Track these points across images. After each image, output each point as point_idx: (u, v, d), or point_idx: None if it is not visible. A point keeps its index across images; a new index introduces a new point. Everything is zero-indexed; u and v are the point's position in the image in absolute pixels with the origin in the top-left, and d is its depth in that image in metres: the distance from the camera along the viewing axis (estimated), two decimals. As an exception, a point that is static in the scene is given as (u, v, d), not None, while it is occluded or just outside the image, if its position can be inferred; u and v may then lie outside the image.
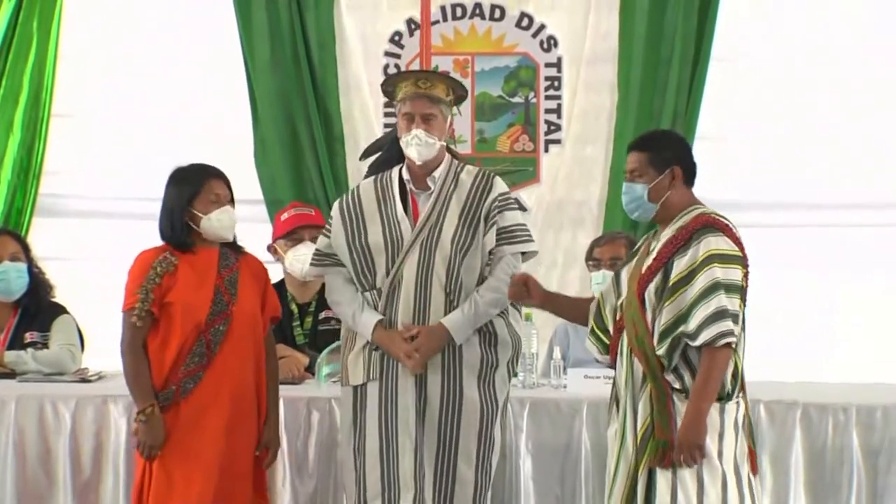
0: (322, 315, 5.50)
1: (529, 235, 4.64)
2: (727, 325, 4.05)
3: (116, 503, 4.87)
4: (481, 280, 4.55)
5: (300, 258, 5.37)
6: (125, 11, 7.27)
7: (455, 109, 4.76)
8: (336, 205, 4.72)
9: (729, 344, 4.05)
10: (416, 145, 4.54)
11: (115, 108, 7.23)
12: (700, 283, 4.07)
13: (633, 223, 6.82)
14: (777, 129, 7.05)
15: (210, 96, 7.18)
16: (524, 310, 4.93)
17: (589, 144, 7.20)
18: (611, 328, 4.38)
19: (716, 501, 4.08)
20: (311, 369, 5.29)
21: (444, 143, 4.65)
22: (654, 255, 4.22)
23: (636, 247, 4.47)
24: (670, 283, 4.12)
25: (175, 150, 6.96)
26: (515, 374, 4.94)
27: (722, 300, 4.05)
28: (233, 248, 4.66)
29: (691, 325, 4.06)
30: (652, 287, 4.17)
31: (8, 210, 7.19)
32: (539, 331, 5.25)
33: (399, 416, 4.45)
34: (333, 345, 5.04)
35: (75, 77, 7.29)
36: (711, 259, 4.08)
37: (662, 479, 4.10)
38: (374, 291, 4.55)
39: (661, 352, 4.11)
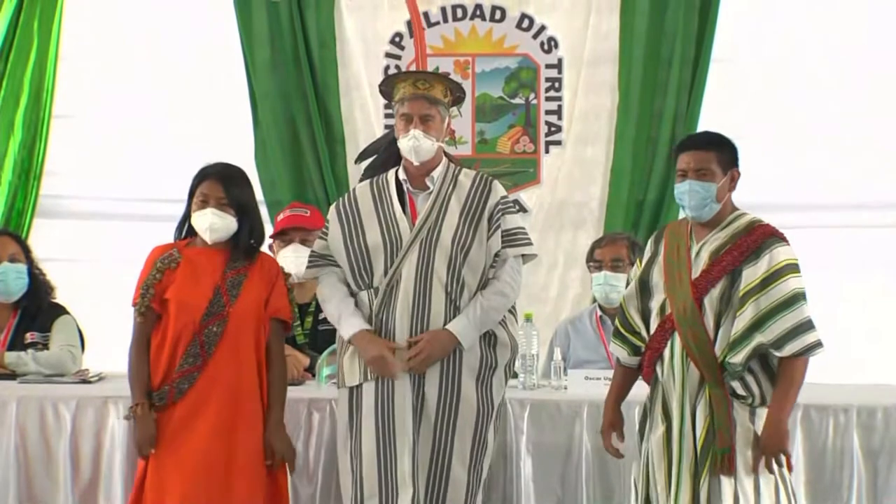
0: (322, 315, 5.50)
1: (529, 239, 4.67)
2: (815, 335, 4.17)
3: (116, 502, 4.87)
4: (483, 281, 4.56)
5: (287, 259, 5.37)
6: (125, 13, 7.27)
7: (455, 111, 4.77)
8: (332, 208, 4.74)
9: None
10: (414, 146, 4.55)
11: (115, 109, 7.23)
12: (776, 293, 4.14)
13: (634, 224, 6.84)
14: (777, 130, 7.04)
15: (210, 97, 7.18)
16: (524, 310, 4.93)
17: (589, 145, 7.20)
18: (642, 331, 4.38)
19: None
20: (311, 370, 5.29)
21: (443, 144, 4.65)
22: (705, 259, 4.24)
23: (653, 247, 4.45)
24: (741, 293, 4.16)
25: (175, 151, 6.99)
26: (515, 376, 4.94)
27: (805, 311, 4.16)
28: (247, 250, 4.64)
29: (771, 334, 4.12)
30: (716, 293, 4.20)
31: (8, 211, 7.19)
32: (539, 332, 5.25)
33: (396, 415, 4.45)
34: (334, 345, 5.03)
35: (76, 78, 7.29)
36: (786, 269, 4.17)
37: (728, 486, 4.14)
38: (371, 290, 4.55)
39: (736, 360, 4.13)
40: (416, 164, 4.58)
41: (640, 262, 4.47)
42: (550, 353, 5.46)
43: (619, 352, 4.47)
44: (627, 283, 4.55)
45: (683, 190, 4.29)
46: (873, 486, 4.81)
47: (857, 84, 7.02)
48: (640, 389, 4.53)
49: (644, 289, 4.39)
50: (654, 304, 4.34)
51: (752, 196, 6.62)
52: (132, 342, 4.59)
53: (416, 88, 4.61)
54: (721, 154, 4.33)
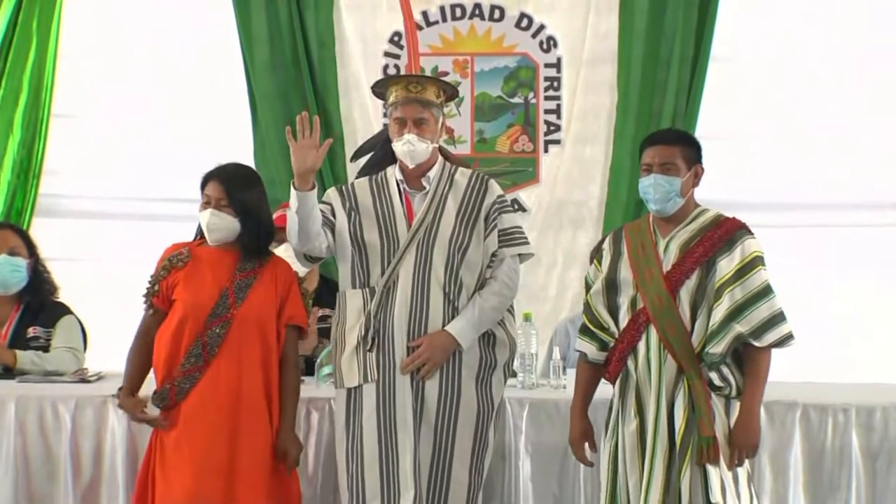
0: (319, 313, 5.51)
1: (526, 238, 4.68)
2: (788, 327, 4.21)
3: (116, 502, 4.87)
4: (481, 281, 4.56)
5: (283, 256, 5.36)
6: (125, 12, 7.27)
7: (454, 110, 4.77)
8: (335, 192, 4.72)
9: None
10: (409, 150, 4.56)
11: (114, 108, 7.23)
12: (751, 283, 4.20)
13: (632, 223, 6.82)
14: (776, 129, 7.05)
15: (210, 97, 7.18)
16: (524, 309, 4.93)
17: (588, 144, 7.20)
18: (610, 326, 4.40)
19: (746, 495, 4.21)
20: (313, 357, 5.32)
21: (437, 145, 4.66)
22: (674, 252, 4.29)
23: (614, 246, 4.46)
24: (717, 284, 4.21)
25: (175, 150, 6.99)
26: (514, 375, 4.94)
27: (777, 302, 4.22)
28: (256, 251, 4.64)
29: (749, 324, 4.17)
30: (691, 284, 4.24)
31: (8, 210, 7.19)
32: (538, 331, 5.25)
33: (398, 416, 4.45)
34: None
35: (75, 77, 7.29)
36: (757, 261, 4.23)
37: (714, 475, 4.16)
38: (367, 290, 4.55)
39: (717, 350, 4.17)
40: (411, 167, 4.59)
41: (599, 262, 4.50)
42: (550, 351, 5.46)
43: (586, 348, 4.48)
44: (587, 284, 4.55)
45: (648, 184, 4.33)
46: (872, 487, 4.81)
47: (855, 84, 7.03)
48: (602, 391, 4.55)
49: (611, 286, 4.42)
50: (624, 300, 4.37)
51: (751, 195, 6.68)
52: (135, 335, 4.65)
53: (408, 92, 4.61)
54: (685, 150, 4.37)
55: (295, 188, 4.43)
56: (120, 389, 4.61)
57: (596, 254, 5.67)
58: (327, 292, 5.52)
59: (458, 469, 4.46)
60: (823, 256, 6.96)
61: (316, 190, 4.45)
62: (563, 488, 4.85)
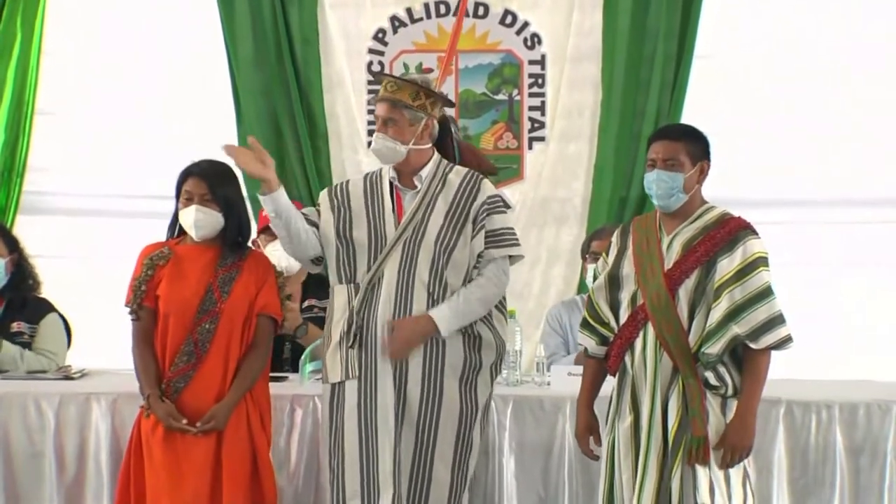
0: (305, 304, 5.52)
1: (517, 239, 4.64)
2: (787, 329, 4.18)
3: (101, 499, 4.87)
4: (467, 282, 4.55)
5: (275, 254, 5.37)
6: (109, 8, 7.25)
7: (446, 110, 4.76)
8: (325, 193, 4.73)
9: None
10: (374, 149, 4.58)
11: (98, 105, 7.21)
12: (751, 285, 4.17)
13: (617, 220, 6.82)
14: (760, 126, 7.04)
15: (194, 93, 7.16)
16: (508, 306, 4.94)
17: (572, 142, 7.20)
18: (610, 321, 4.39)
19: (739, 495, 4.19)
20: (297, 335, 5.36)
21: (413, 147, 4.57)
22: (677, 250, 4.26)
23: (621, 240, 4.44)
24: (716, 284, 4.19)
25: (159, 147, 6.98)
26: (499, 373, 4.94)
27: (777, 304, 4.18)
28: (237, 246, 4.65)
29: (747, 326, 4.14)
30: (690, 284, 4.22)
31: (-9, 208, 7.18)
32: (522, 328, 5.24)
33: (378, 414, 4.44)
34: (317, 341, 5.03)
35: (59, 74, 7.27)
36: (759, 262, 4.20)
37: (703, 475, 4.15)
38: (352, 286, 4.55)
39: (713, 350, 4.15)
40: (381, 164, 4.60)
41: (607, 255, 4.49)
42: (547, 331, 5.48)
43: (586, 342, 4.47)
44: (595, 276, 4.56)
45: (651, 179, 4.32)
46: (856, 483, 4.82)
47: (840, 79, 7.03)
48: (608, 385, 4.53)
49: (613, 281, 4.40)
50: (625, 296, 4.35)
51: (734, 192, 6.67)
52: (133, 342, 4.62)
53: (384, 90, 4.61)
54: (691, 146, 4.34)
55: (261, 194, 4.46)
56: (148, 397, 4.52)
57: (587, 250, 5.70)
58: (313, 283, 5.57)
59: (440, 469, 4.45)
60: (810, 253, 6.95)
61: (282, 189, 4.49)
62: (548, 485, 4.85)
